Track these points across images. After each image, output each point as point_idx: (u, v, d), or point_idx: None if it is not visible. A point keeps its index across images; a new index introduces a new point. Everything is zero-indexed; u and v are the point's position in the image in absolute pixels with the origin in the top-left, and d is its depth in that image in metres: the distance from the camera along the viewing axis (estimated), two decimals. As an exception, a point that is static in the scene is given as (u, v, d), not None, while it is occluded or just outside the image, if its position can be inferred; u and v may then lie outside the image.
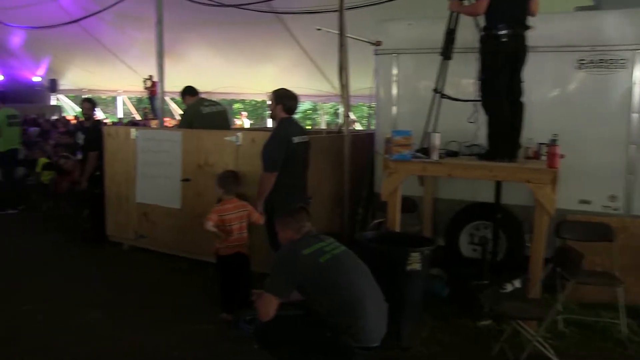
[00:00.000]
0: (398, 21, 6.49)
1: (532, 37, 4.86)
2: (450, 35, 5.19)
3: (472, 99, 5.15)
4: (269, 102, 5.01)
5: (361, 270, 3.55)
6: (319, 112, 40.01)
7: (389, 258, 4.25)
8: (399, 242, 4.60)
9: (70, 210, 8.61)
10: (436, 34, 5.31)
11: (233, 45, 17.55)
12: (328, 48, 15.57)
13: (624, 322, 4.57)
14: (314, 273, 3.36)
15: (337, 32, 6.88)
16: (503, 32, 4.68)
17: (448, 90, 5.34)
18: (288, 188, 4.86)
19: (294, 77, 17.99)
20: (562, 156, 4.54)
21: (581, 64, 5.59)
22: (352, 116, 11.74)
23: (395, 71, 6.43)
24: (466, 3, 5.03)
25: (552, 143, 4.48)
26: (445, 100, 5.32)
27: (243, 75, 19.18)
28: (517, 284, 4.92)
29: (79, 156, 7.62)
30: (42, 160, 9.68)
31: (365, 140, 7.03)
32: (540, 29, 5.02)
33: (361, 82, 15.76)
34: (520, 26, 4.77)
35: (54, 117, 22.11)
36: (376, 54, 6.58)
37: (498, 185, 5.57)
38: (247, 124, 21.27)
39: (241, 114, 24.10)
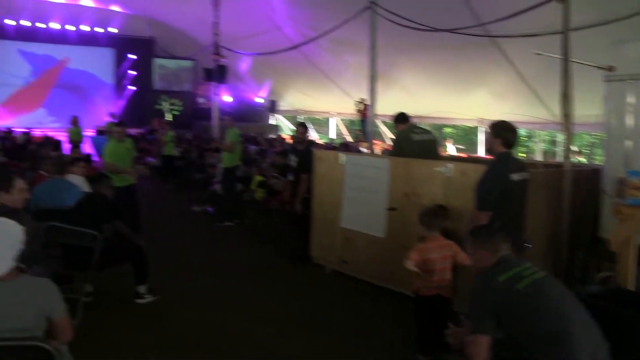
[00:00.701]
0: (636, 42, 5.73)
1: None
2: None
3: None
4: (486, 134, 4.64)
5: (568, 297, 3.06)
6: (534, 139, 38.09)
7: (622, 323, 3.37)
8: (634, 304, 3.84)
9: (280, 229, 8.93)
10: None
11: (445, 69, 17.31)
12: (546, 72, 14.81)
13: None
14: (511, 301, 2.98)
15: (559, 56, 6.27)
16: None
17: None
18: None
19: (507, 102, 17.28)
20: None
21: None
22: (574, 148, 10.91)
23: (631, 100, 5.63)
24: None
25: None
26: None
27: (454, 99, 18.80)
28: None
29: (290, 177, 7.85)
30: (257, 178, 10.18)
31: (589, 175, 6.33)
32: None
33: (584, 109, 14.55)
34: None
35: (272, 136, 23.46)
36: (607, 81, 5.88)
37: None
38: (452, 150, 20.79)
39: (446, 140, 23.65)
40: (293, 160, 7.79)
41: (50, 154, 9.42)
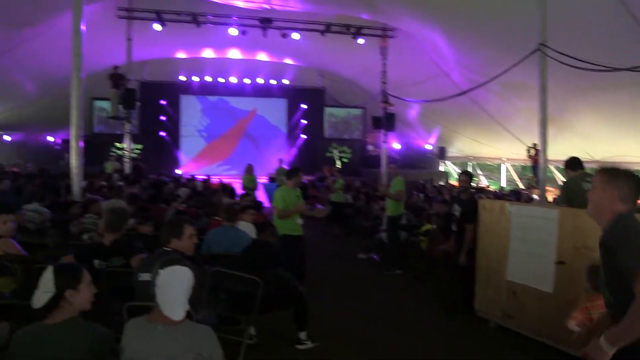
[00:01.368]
0: None
1: None
2: None
3: None
4: None
5: None
6: None
7: None
8: None
9: (444, 279, 8.70)
10: None
11: (624, 109, 16.07)
12: None
13: None
14: None
15: None
16: None
17: None
18: None
19: None
20: None
21: None
22: None
23: None
24: None
25: None
26: None
27: (636, 142, 17.36)
28: None
29: (454, 227, 7.62)
30: (426, 226, 10.03)
31: None
32: None
33: None
34: None
35: (441, 183, 23.18)
36: None
37: None
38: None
39: None
40: (457, 209, 7.57)
41: (223, 201, 10.01)
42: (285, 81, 27.66)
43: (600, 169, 3.12)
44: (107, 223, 5.27)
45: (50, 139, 25.97)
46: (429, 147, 28.44)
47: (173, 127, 27.02)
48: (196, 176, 19.90)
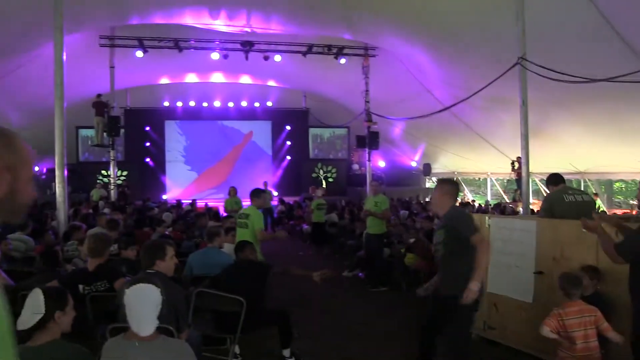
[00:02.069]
0: None
1: None
2: None
3: None
4: None
5: None
6: None
7: None
8: None
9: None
10: None
11: (605, 121, 16.31)
12: None
13: None
14: None
15: None
16: None
17: None
18: None
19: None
20: None
21: None
22: None
23: None
24: None
25: None
26: None
27: (620, 152, 17.59)
28: None
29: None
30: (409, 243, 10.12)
31: None
32: None
33: None
34: None
35: (427, 200, 23.32)
36: None
37: None
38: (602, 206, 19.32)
39: (595, 196, 22.08)
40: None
41: (208, 224, 10.07)
42: (269, 103, 27.84)
43: (438, 181, 4.93)
44: (90, 249, 5.34)
45: (35, 169, 25.90)
46: (413, 164, 28.65)
47: (158, 153, 27.07)
48: (182, 201, 19.93)
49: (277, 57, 19.68)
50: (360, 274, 11.20)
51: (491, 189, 28.78)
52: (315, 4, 15.50)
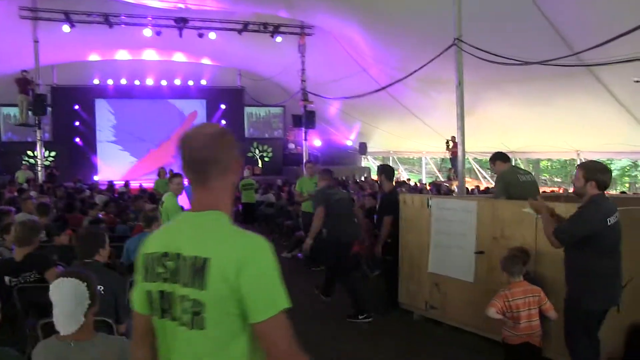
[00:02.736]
0: None
1: None
2: None
3: None
4: (577, 176, 4.32)
5: None
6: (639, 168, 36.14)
7: None
8: None
9: (365, 273, 8.79)
10: None
11: (536, 101, 16.74)
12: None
13: None
14: None
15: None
16: None
17: None
18: (600, 277, 4.19)
19: (609, 132, 16.54)
20: None
21: None
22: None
23: None
24: None
25: None
26: None
27: (549, 132, 18.10)
28: None
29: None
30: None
31: None
32: None
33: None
34: None
35: (362, 178, 23.45)
36: None
37: None
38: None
39: None
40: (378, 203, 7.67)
41: (145, 207, 9.73)
42: (204, 82, 27.27)
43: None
44: (18, 238, 5.00)
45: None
46: (349, 143, 28.73)
47: (88, 133, 26.09)
48: (114, 182, 19.32)
49: (212, 35, 19.22)
50: (299, 254, 11.13)
51: (426, 168, 29.21)
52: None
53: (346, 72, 20.84)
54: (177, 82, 26.70)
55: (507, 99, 17.24)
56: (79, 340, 2.81)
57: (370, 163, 29.84)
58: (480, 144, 18.91)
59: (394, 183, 7.81)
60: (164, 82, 26.43)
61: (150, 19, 18.66)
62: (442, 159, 25.95)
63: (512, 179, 6.35)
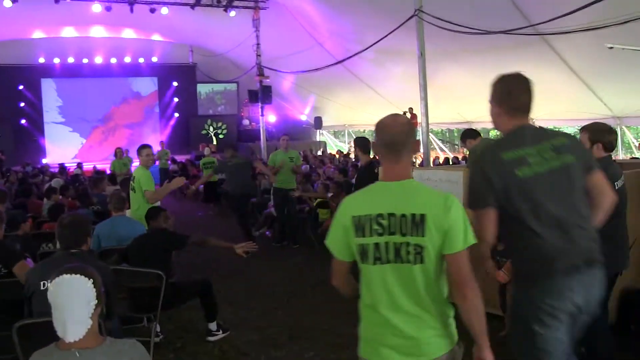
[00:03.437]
0: None
1: None
2: None
3: None
4: (582, 138, 4.09)
5: None
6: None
7: None
8: None
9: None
10: None
11: (494, 71, 16.58)
12: (602, 66, 14.30)
13: None
14: None
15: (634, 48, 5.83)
16: None
17: None
18: (610, 240, 4.06)
19: (563, 100, 16.80)
20: None
21: None
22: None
23: None
24: None
25: None
26: None
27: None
28: None
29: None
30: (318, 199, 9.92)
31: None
32: None
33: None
34: None
35: (319, 153, 23.31)
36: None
37: None
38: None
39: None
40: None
41: (107, 189, 9.36)
42: (154, 59, 26.53)
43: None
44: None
45: None
46: (304, 117, 28.49)
47: (35, 114, 25.11)
48: (65, 165, 18.70)
49: (164, 10, 18.55)
50: (267, 232, 10.95)
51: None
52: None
53: (301, 46, 20.56)
54: (127, 59, 25.91)
55: (463, 70, 17.30)
56: (85, 349, 2.40)
57: (326, 137, 29.68)
58: (437, 115, 18.96)
59: (370, 156, 7.63)
60: (113, 60, 25.60)
61: None
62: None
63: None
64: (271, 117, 26.88)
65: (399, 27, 12.37)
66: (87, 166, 19.00)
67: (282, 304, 6.70)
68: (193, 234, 5.76)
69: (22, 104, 24.71)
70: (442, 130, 26.86)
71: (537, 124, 18.04)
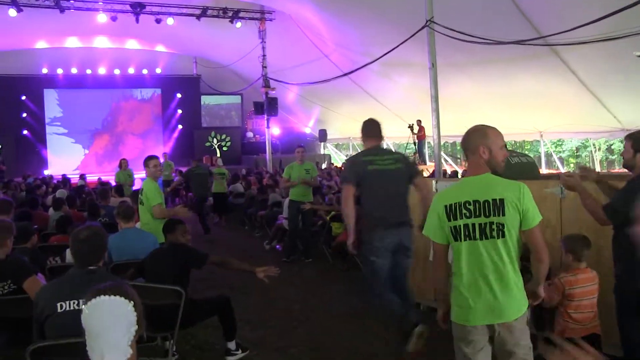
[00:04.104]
0: None
1: None
2: None
3: None
4: (626, 147, 3.96)
5: None
6: (588, 149, 36.87)
7: None
8: None
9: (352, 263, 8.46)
10: None
11: (501, 83, 16.69)
12: (612, 77, 14.14)
13: None
14: None
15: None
16: None
17: None
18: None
19: (570, 112, 16.68)
20: None
21: None
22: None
23: None
24: None
25: None
26: None
27: (512, 113, 18.08)
28: None
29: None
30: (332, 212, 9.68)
31: None
32: None
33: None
34: None
35: (323, 166, 23.11)
36: None
37: None
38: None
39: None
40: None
41: (112, 201, 9.12)
42: (158, 70, 26.39)
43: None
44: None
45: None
46: (308, 130, 28.31)
47: (37, 125, 24.92)
48: (67, 176, 18.47)
49: (170, 20, 18.39)
50: (277, 246, 10.71)
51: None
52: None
53: (306, 58, 20.43)
54: (131, 70, 25.78)
55: (470, 81, 17.14)
56: None
57: (330, 150, 29.50)
58: (444, 126, 18.77)
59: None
60: (117, 71, 25.45)
61: (101, 3, 17.67)
62: (400, 144, 25.64)
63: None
64: (275, 130, 26.71)
65: (410, 37, 12.17)
66: (90, 178, 18.74)
67: (302, 321, 6.43)
68: (212, 253, 5.46)
69: (25, 115, 24.56)
70: (445, 143, 26.67)
71: (546, 136, 18.02)
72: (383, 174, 4.76)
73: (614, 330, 4.01)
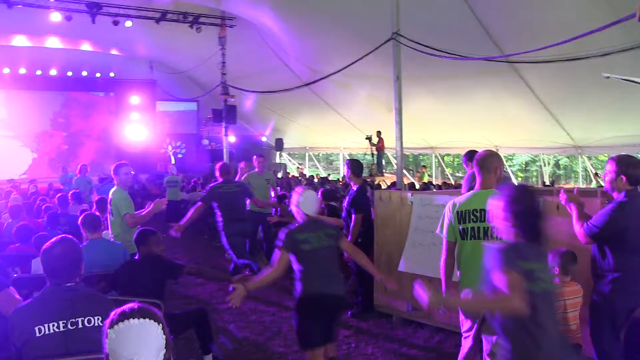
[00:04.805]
0: None
1: None
2: None
3: None
4: (608, 168, 4.08)
5: None
6: (538, 163, 37.71)
7: None
8: None
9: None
10: None
11: (460, 98, 16.93)
12: (568, 96, 14.50)
13: None
14: None
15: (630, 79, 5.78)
16: None
17: None
18: (631, 275, 3.97)
19: (525, 128, 17.05)
20: None
21: None
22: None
23: None
24: None
25: None
26: None
27: (469, 128, 18.34)
28: None
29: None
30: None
31: None
32: None
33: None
34: None
35: (279, 175, 22.95)
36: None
37: None
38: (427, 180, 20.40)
39: (423, 168, 23.41)
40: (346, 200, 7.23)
41: (70, 209, 8.79)
42: (112, 74, 25.71)
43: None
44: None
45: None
46: (264, 139, 28.11)
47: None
48: (15, 180, 17.72)
49: (128, 23, 17.86)
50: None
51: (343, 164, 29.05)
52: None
53: (266, 66, 20.29)
54: (84, 73, 24.97)
55: (429, 96, 17.30)
56: None
57: (286, 159, 29.39)
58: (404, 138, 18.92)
59: (361, 178, 7.34)
60: (69, 73, 24.63)
61: (53, 1, 16.75)
62: (356, 155, 25.72)
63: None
64: (231, 138, 26.40)
65: (375, 49, 12.17)
66: (40, 185, 18.01)
67: (276, 333, 6.29)
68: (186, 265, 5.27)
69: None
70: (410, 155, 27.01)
71: (501, 151, 18.33)
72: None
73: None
